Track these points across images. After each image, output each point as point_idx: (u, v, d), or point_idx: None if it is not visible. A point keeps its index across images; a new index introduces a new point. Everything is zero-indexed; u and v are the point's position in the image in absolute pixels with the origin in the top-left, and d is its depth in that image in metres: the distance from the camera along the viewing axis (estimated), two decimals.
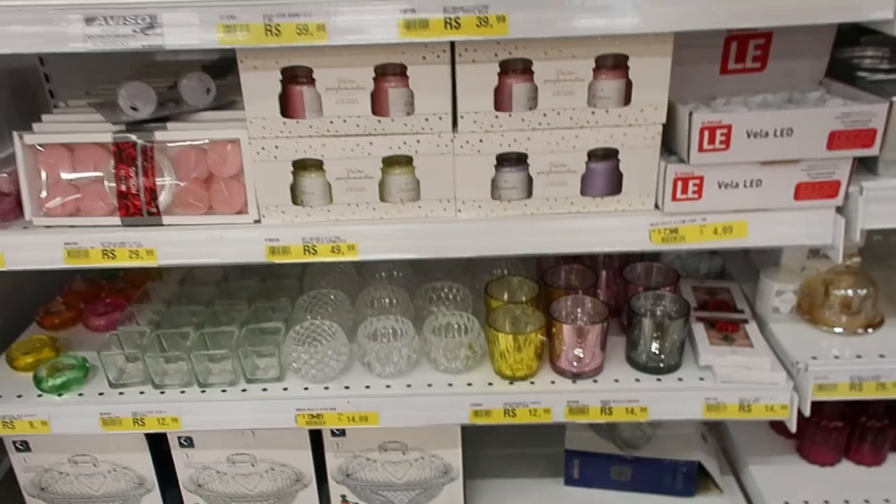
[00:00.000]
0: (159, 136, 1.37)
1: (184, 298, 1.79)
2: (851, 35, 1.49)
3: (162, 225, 1.40)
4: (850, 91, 1.39)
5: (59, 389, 1.60)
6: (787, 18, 1.18)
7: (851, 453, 1.84)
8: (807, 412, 1.54)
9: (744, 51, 1.42)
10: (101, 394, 1.61)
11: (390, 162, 1.38)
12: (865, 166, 1.39)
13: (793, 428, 1.57)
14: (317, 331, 1.64)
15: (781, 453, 1.89)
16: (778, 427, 1.93)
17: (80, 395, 1.61)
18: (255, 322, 1.68)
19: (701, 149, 1.31)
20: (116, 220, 1.40)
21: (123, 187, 1.38)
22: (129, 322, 1.73)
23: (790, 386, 1.54)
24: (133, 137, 1.36)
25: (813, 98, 1.39)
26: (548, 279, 1.75)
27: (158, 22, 1.18)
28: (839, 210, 1.39)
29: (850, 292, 1.63)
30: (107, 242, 1.39)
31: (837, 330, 1.64)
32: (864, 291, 1.62)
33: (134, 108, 1.39)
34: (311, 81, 1.31)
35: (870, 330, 1.64)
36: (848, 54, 1.54)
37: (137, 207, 1.39)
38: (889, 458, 1.83)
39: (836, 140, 1.30)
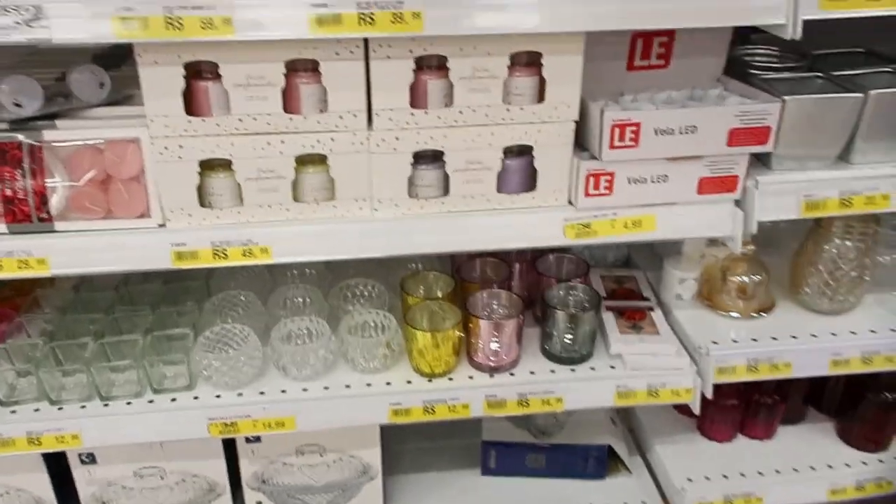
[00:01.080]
0: (48, 135, 1.27)
1: (80, 306, 1.68)
2: (743, 32, 1.57)
3: (55, 231, 1.30)
4: (745, 89, 1.46)
5: None
6: (690, 20, 1.23)
7: (746, 429, 1.96)
8: (709, 395, 1.63)
9: (649, 49, 1.47)
10: None
11: (303, 161, 1.34)
12: (760, 161, 1.47)
13: (696, 410, 1.66)
14: (227, 335, 1.57)
15: (684, 432, 1.99)
16: (680, 408, 2.03)
17: None
18: (161, 328, 1.59)
19: (612, 146, 1.34)
20: (2, 227, 1.28)
21: (9, 192, 1.26)
22: (19, 334, 1.60)
23: (693, 370, 1.62)
24: (19, 137, 1.25)
25: (713, 95, 1.45)
26: (463, 273, 1.76)
27: (44, 13, 1.08)
28: (737, 203, 1.46)
29: (745, 278, 1.72)
30: None
31: (734, 315, 1.74)
32: (758, 277, 1.72)
33: (17, 105, 1.28)
34: (218, 77, 1.24)
35: (763, 314, 1.74)
36: (741, 52, 1.62)
37: (26, 213, 1.28)
38: (779, 431, 1.96)
39: (736, 137, 1.36)
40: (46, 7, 1.08)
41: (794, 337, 1.66)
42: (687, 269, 1.76)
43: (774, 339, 1.66)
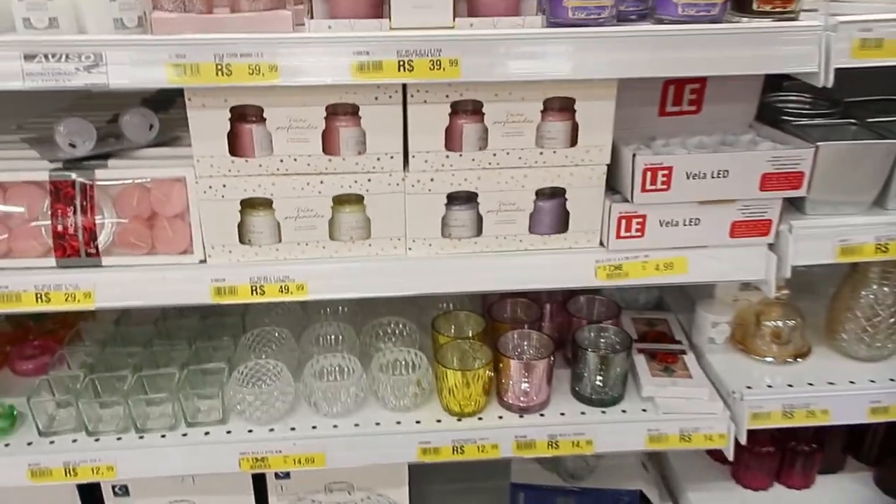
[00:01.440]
0: (99, 174, 1.33)
1: (119, 339, 1.72)
2: (775, 79, 1.59)
3: (101, 266, 1.35)
4: (778, 135, 1.47)
5: None
6: (720, 68, 1.25)
7: (783, 478, 1.91)
8: (743, 440, 1.61)
9: (680, 95, 1.49)
10: (29, 443, 1.52)
11: (341, 200, 1.37)
12: (794, 206, 1.47)
13: (730, 456, 1.63)
14: (261, 370, 1.60)
15: (718, 479, 1.95)
16: (714, 453, 1.99)
17: (7, 445, 1.52)
18: (196, 363, 1.63)
19: (644, 189, 1.36)
20: (51, 261, 1.34)
21: (60, 227, 1.32)
22: (61, 365, 1.64)
23: (727, 415, 1.60)
24: (72, 176, 1.31)
25: (745, 141, 1.47)
26: (494, 313, 1.77)
27: (103, 60, 1.15)
28: (771, 247, 1.46)
29: (779, 323, 1.71)
30: (40, 285, 1.33)
31: (769, 359, 1.72)
32: (793, 322, 1.71)
33: (72, 145, 1.34)
34: (262, 120, 1.29)
35: (799, 359, 1.72)
36: (773, 98, 1.63)
37: (75, 248, 1.33)
38: (817, 480, 1.92)
39: (768, 182, 1.37)
40: (106, 54, 1.14)
41: (831, 383, 1.63)
42: (720, 312, 1.75)
43: (811, 384, 1.63)
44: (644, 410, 1.62)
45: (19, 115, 1.60)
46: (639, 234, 1.42)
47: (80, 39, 1.14)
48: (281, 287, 1.39)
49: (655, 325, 1.89)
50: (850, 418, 1.63)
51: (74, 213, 1.32)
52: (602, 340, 1.70)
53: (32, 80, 1.14)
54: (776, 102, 1.62)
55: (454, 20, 1.20)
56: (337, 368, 1.64)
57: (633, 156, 1.34)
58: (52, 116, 1.36)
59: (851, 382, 1.63)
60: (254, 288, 1.39)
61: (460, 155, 1.35)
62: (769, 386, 1.63)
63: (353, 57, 1.18)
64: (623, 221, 1.41)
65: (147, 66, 1.16)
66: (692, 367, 1.69)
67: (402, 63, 1.19)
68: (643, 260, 1.44)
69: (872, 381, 1.63)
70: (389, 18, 1.19)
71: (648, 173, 1.35)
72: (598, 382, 1.62)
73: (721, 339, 1.76)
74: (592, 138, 1.36)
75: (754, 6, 1.24)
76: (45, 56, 1.13)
